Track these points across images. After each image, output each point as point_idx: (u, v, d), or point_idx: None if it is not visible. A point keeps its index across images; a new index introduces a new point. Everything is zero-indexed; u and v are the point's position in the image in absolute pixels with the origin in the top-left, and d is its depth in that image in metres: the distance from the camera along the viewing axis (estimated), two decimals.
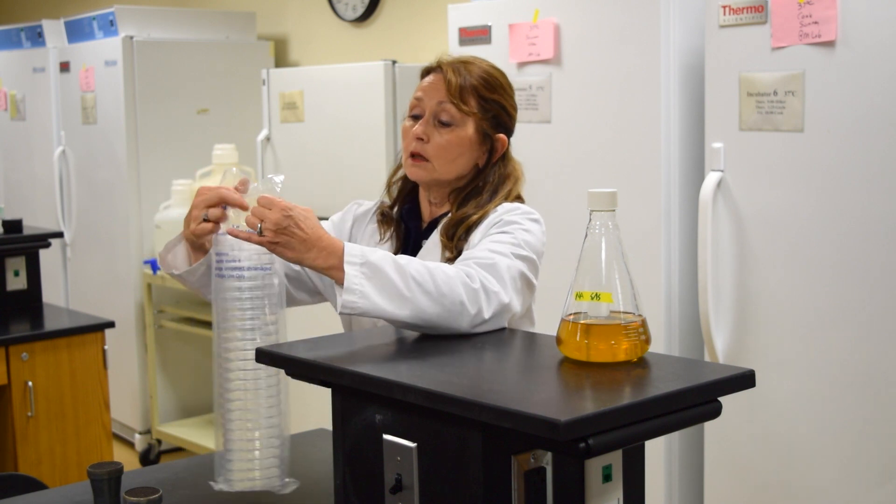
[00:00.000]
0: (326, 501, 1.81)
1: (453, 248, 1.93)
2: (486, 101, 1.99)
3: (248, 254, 1.68)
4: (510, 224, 1.89)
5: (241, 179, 1.74)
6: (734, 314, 2.78)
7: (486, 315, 1.72)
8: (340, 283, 1.66)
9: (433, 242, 1.99)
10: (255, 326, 1.69)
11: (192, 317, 4.84)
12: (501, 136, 2.02)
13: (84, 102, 5.25)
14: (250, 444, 1.72)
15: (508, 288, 1.77)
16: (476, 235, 1.92)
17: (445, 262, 1.88)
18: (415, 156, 1.98)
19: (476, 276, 1.73)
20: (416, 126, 1.97)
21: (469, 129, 1.97)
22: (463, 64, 2.00)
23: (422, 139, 1.96)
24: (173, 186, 4.81)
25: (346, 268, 1.65)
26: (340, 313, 1.67)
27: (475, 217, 1.94)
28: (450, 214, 1.99)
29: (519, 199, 2.03)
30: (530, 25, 3.19)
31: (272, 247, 1.65)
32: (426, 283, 1.67)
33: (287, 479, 1.75)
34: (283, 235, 1.65)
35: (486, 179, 2.01)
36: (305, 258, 1.66)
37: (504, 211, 1.94)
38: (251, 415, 1.72)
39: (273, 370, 1.72)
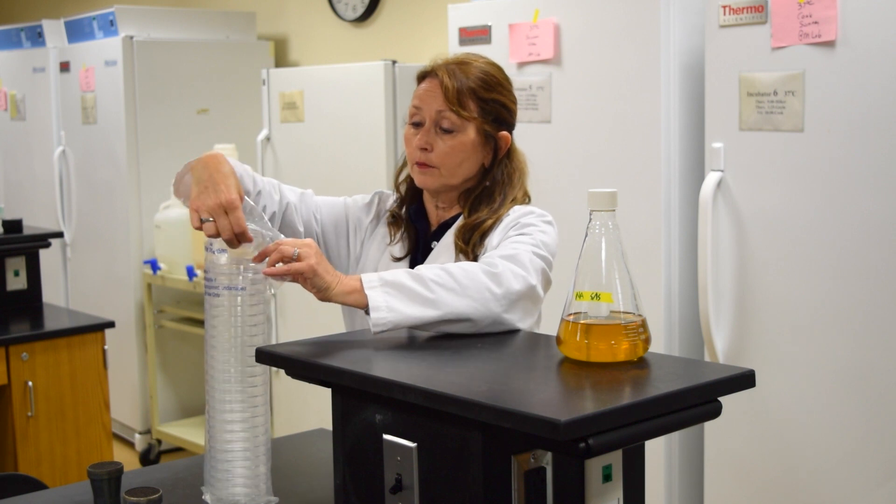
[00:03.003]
0: (326, 502, 1.81)
1: (469, 253, 1.95)
2: (485, 102, 1.98)
3: (235, 276, 1.70)
4: (527, 227, 1.92)
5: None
6: (734, 314, 2.78)
7: (515, 287, 1.74)
8: (365, 306, 1.70)
9: (445, 245, 2.00)
10: (237, 346, 1.70)
11: (192, 317, 4.85)
12: (504, 133, 2.02)
13: (84, 102, 5.25)
14: (232, 464, 1.72)
15: (532, 274, 1.80)
16: (493, 238, 1.94)
17: None
18: (421, 164, 1.99)
19: (498, 263, 1.78)
20: (419, 136, 1.98)
21: (471, 133, 1.98)
22: (458, 65, 1.99)
23: (426, 149, 1.97)
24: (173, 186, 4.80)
25: (368, 292, 1.70)
26: (375, 333, 1.69)
27: (490, 222, 1.96)
28: (461, 217, 2.00)
29: (526, 195, 2.05)
30: (530, 25, 3.19)
31: (311, 270, 1.68)
32: (446, 281, 1.72)
33: (270, 498, 1.74)
34: (321, 259, 1.70)
35: (495, 179, 2.02)
36: (333, 287, 1.71)
37: (520, 214, 1.96)
38: (237, 432, 1.72)
39: (259, 384, 1.72)
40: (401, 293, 1.70)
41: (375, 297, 1.69)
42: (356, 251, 2.11)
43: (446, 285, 1.71)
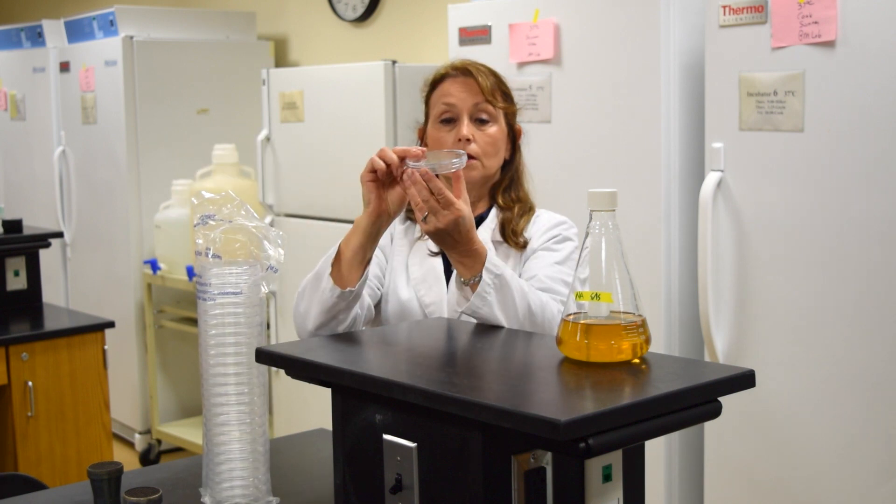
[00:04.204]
0: (326, 502, 1.81)
1: (518, 245, 2.07)
2: (506, 96, 2.11)
3: (226, 280, 1.69)
4: (567, 241, 2.07)
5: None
6: (734, 314, 2.78)
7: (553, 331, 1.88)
8: (466, 278, 1.80)
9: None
10: (231, 349, 1.69)
11: (192, 317, 4.84)
12: (519, 126, 2.15)
13: (84, 102, 5.25)
14: (230, 465, 1.72)
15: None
16: (534, 238, 2.06)
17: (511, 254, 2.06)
18: None
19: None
20: (462, 127, 2.05)
21: (503, 123, 2.10)
22: (475, 65, 2.10)
23: (469, 140, 2.04)
24: (173, 186, 4.81)
25: (484, 274, 1.80)
26: (462, 312, 1.81)
27: (523, 222, 2.09)
28: (495, 211, 2.10)
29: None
30: (530, 25, 3.19)
31: (427, 234, 1.79)
32: (536, 315, 1.84)
33: (270, 499, 1.74)
34: (441, 236, 1.78)
35: (518, 169, 2.15)
36: (449, 252, 1.82)
37: (556, 222, 2.10)
38: (233, 433, 1.72)
39: (256, 386, 1.72)
40: (504, 296, 1.80)
41: (486, 284, 1.79)
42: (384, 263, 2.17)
43: (535, 318, 1.83)
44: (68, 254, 5.56)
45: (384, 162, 1.82)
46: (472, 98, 2.05)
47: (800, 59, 2.57)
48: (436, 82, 2.10)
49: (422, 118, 2.17)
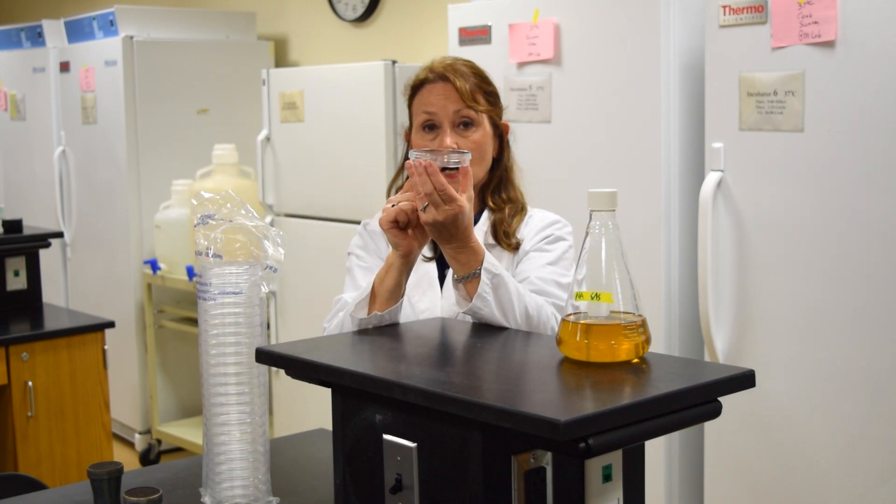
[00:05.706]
0: (326, 502, 1.81)
1: (511, 247, 2.05)
2: (489, 95, 2.08)
3: (227, 279, 1.69)
4: (559, 241, 2.05)
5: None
6: (734, 314, 2.78)
7: (548, 332, 1.89)
8: (460, 275, 1.80)
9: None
10: (232, 349, 1.69)
11: (192, 317, 4.84)
12: (505, 122, 2.12)
13: (84, 102, 5.25)
14: (230, 465, 1.72)
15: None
16: (526, 239, 2.05)
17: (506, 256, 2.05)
18: None
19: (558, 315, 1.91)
20: (446, 137, 2.02)
21: (486, 125, 2.06)
22: (453, 66, 2.05)
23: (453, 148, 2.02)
24: (173, 186, 4.81)
25: (483, 274, 1.79)
26: (462, 312, 1.81)
27: (516, 222, 2.07)
28: (487, 213, 2.08)
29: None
30: (530, 25, 3.19)
31: (424, 224, 1.77)
32: (533, 317, 1.84)
33: (270, 499, 1.75)
34: (439, 228, 1.76)
35: (508, 167, 2.12)
36: (444, 247, 1.80)
37: (549, 222, 2.09)
38: (233, 434, 1.72)
39: (256, 386, 1.72)
40: (500, 297, 1.79)
41: (484, 284, 1.78)
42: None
43: (531, 320, 1.83)
44: (68, 254, 5.56)
45: (403, 211, 1.81)
46: (452, 105, 2.01)
47: (800, 59, 2.57)
48: (416, 87, 2.07)
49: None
